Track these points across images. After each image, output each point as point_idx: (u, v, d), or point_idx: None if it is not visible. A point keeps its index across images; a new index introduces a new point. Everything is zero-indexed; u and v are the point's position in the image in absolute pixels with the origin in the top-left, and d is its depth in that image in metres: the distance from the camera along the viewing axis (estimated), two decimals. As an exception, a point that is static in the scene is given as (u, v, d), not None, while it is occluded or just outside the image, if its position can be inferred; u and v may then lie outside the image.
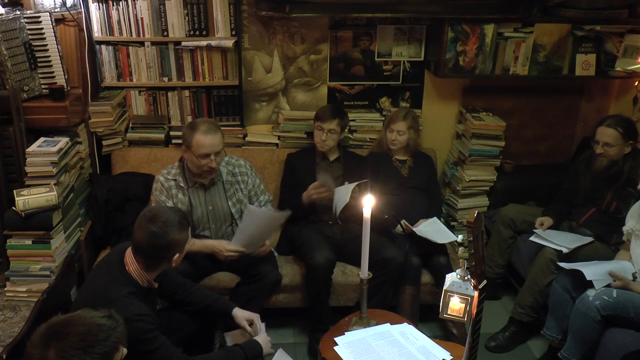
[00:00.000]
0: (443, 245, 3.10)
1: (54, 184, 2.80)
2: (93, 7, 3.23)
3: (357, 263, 2.41)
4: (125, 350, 1.68)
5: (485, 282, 1.79)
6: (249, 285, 2.84)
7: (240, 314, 2.44)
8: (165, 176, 2.86)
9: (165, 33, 3.34)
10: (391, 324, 2.34)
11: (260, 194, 3.02)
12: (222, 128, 3.43)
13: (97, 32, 3.29)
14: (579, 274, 2.68)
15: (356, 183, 3.01)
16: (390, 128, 3.32)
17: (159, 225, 2.05)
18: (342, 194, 3.01)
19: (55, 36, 3.01)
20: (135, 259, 2.11)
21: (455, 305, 1.90)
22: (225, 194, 2.91)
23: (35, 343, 1.56)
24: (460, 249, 1.80)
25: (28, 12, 3.04)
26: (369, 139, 3.60)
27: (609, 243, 3.03)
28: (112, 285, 2.04)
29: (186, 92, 3.49)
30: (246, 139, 3.55)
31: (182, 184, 2.85)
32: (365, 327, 2.31)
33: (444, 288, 1.91)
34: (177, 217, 2.13)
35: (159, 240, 2.05)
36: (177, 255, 2.12)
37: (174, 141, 3.45)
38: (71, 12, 3.12)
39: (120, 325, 1.66)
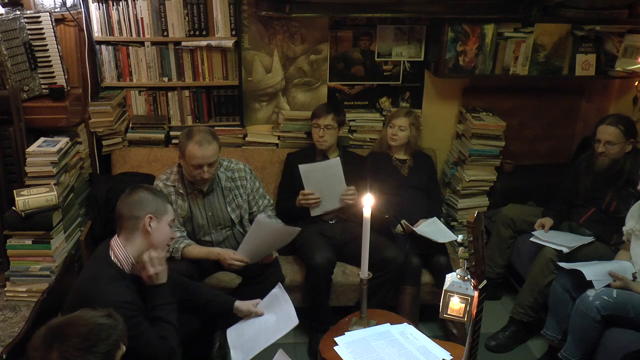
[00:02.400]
0: (443, 245, 3.10)
1: (54, 184, 2.79)
2: (93, 7, 3.23)
3: (357, 263, 2.41)
4: (124, 348, 1.68)
5: (485, 282, 1.80)
6: (251, 286, 2.83)
7: (244, 304, 2.46)
8: (165, 182, 2.84)
9: (165, 33, 3.34)
10: (391, 324, 2.34)
11: (260, 198, 3.01)
12: (222, 128, 3.49)
13: (97, 32, 3.29)
14: (579, 274, 2.68)
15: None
16: (391, 123, 3.33)
17: (132, 187, 2.17)
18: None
19: (55, 36, 3.01)
20: (117, 236, 2.12)
21: (455, 305, 1.90)
22: (225, 199, 2.90)
23: (36, 346, 1.56)
24: (460, 249, 1.80)
25: (28, 12, 3.04)
26: (369, 139, 3.60)
27: (609, 243, 3.03)
28: (95, 274, 2.04)
29: (186, 92, 3.49)
30: (246, 139, 3.55)
31: (181, 190, 2.83)
32: (365, 327, 2.31)
33: (444, 288, 1.91)
34: (155, 188, 2.23)
35: (131, 197, 2.11)
36: (150, 216, 2.09)
37: (174, 141, 3.45)
38: (71, 12, 3.12)
39: (120, 324, 1.67)
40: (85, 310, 1.67)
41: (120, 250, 2.09)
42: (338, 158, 3.10)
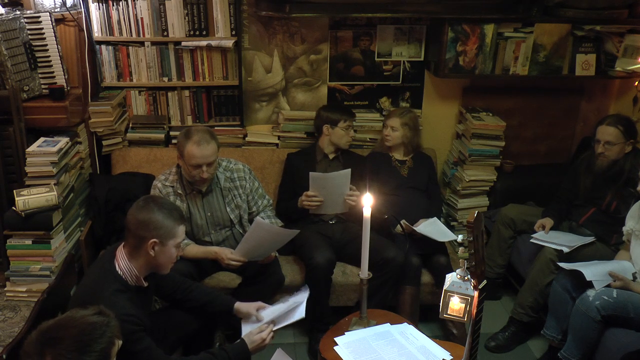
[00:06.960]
0: (443, 245, 3.10)
1: (54, 184, 2.80)
2: (93, 7, 3.23)
3: (357, 263, 2.41)
4: (120, 342, 1.65)
5: (485, 282, 1.80)
6: (251, 286, 2.83)
7: (244, 305, 2.43)
8: (163, 182, 2.84)
9: (165, 33, 3.34)
10: (391, 324, 2.34)
11: (259, 198, 3.01)
12: (222, 128, 3.49)
13: (97, 32, 3.29)
14: (579, 274, 2.68)
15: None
16: (385, 124, 3.34)
17: (147, 201, 2.09)
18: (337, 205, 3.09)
19: (55, 36, 3.01)
20: (124, 246, 2.10)
21: (455, 305, 1.90)
22: (224, 200, 2.90)
23: (29, 352, 1.53)
24: (460, 249, 1.80)
25: (28, 12, 3.04)
26: (369, 139, 3.60)
27: (609, 243, 3.03)
28: (99, 284, 2.02)
29: (186, 92, 3.49)
30: (246, 139, 3.55)
31: (180, 191, 2.83)
32: (365, 327, 2.31)
33: (444, 288, 1.91)
34: (171, 206, 2.13)
35: (141, 214, 2.04)
36: (155, 241, 2.03)
37: (173, 141, 3.45)
38: (71, 12, 3.12)
39: (113, 320, 1.64)
40: (75, 310, 1.63)
41: (125, 262, 2.08)
42: (349, 170, 3.05)
